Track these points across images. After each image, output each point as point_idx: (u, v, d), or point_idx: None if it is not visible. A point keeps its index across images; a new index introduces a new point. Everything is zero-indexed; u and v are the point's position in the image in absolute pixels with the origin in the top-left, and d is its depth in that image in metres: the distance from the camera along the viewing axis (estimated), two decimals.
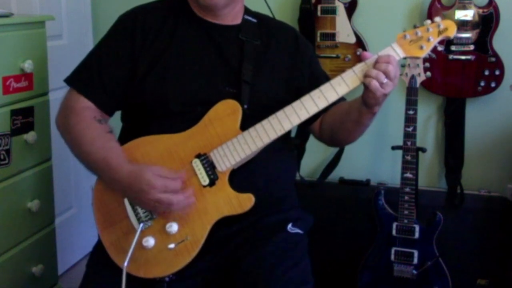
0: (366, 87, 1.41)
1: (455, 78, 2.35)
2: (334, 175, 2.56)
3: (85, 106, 1.55)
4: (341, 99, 1.54)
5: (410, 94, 2.16)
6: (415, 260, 2.20)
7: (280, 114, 1.45)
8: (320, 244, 1.74)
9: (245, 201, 1.42)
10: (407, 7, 2.46)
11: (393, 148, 2.29)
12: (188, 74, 1.54)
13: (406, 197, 2.18)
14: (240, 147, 1.44)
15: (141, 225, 1.43)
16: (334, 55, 2.44)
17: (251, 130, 1.45)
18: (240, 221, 1.49)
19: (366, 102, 1.44)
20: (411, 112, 2.17)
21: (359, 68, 1.44)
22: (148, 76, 1.53)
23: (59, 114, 1.59)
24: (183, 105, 1.51)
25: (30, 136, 1.96)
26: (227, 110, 1.48)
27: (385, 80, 1.39)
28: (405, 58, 2.11)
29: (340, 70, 1.47)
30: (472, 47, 2.30)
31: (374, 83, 1.39)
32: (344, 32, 2.43)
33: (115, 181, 1.45)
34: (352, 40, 2.43)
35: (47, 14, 2.24)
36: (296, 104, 1.44)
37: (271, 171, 1.55)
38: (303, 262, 1.51)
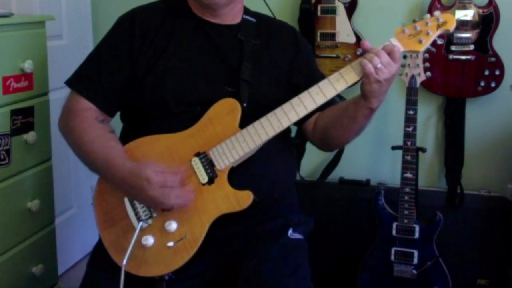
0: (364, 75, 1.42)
1: (455, 78, 2.35)
2: (334, 175, 2.56)
3: (86, 107, 1.55)
4: (341, 99, 1.55)
5: (410, 94, 2.16)
6: (415, 260, 2.20)
7: (278, 111, 1.45)
8: (320, 244, 1.74)
9: (244, 199, 1.42)
10: (407, 7, 2.46)
11: (393, 148, 2.29)
12: (187, 73, 1.54)
13: (406, 197, 2.18)
14: (239, 145, 1.44)
15: (140, 223, 1.43)
16: (334, 55, 2.44)
17: (250, 128, 1.45)
18: (240, 222, 1.49)
19: (363, 90, 1.44)
20: (411, 112, 2.17)
21: (357, 64, 1.44)
22: (148, 76, 1.53)
23: (61, 116, 1.59)
24: (182, 105, 1.52)
25: (30, 136, 1.96)
26: (226, 109, 1.48)
27: (379, 65, 1.39)
28: (404, 57, 2.15)
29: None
30: (472, 47, 2.30)
31: (369, 66, 1.39)
32: (344, 32, 2.43)
33: (116, 180, 1.45)
34: (352, 40, 2.43)
35: (47, 14, 2.24)
36: (294, 101, 1.45)
37: (271, 171, 1.55)
38: (303, 269, 1.51)
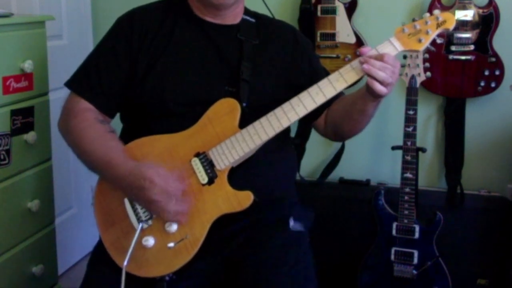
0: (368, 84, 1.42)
1: (455, 78, 2.35)
2: (334, 175, 2.56)
3: (86, 108, 1.55)
4: (340, 94, 1.55)
5: (410, 94, 2.16)
6: (415, 260, 2.20)
7: (278, 111, 1.45)
8: (320, 244, 1.73)
9: (244, 199, 1.42)
10: (407, 7, 2.46)
11: (393, 148, 2.29)
12: (187, 74, 1.54)
13: (406, 197, 2.18)
14: (239, 145, 1.44)
15: (141, 224, 1.43)
16: (334, 55, 2.44)
17: (250, 127, 1.45)
18: (241, 220, 1.49)
19: (371, 94, 1.45)
20: (411, 112, 2.17)
21: (357, 63, 1.44)
22: (147, 77, 1.53)
23: (60, 117, 1.59)
24: (182, 105, 1.52)
25: (30, 136, 1.96)
26: (226, 109, 1.48)
27: (389, 80, 1.39)
28: (404, 57, 2.15)
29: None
30: (472, 47, 2.30)
31: (378, 86, 1.39)
32: (344, 32, 2.43)
33: (117, 179, 1.45)
34: (352, 40, 2.43)
35: (47, 14, 2.24)
36: (294, 100, 1.45)
37: (271, 171, 1.56)
38: (306, 260, 1.51)
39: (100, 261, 1.50)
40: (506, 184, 2.45)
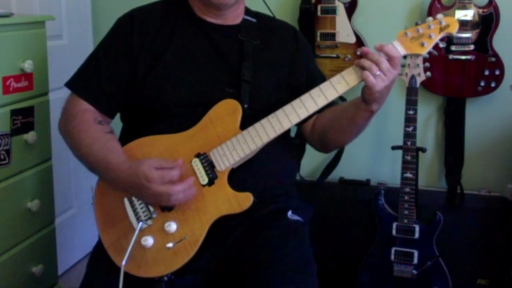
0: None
1: (455, 78, 2.35)
2: (334, 175, 2.56)
3: (85, 109, 1.55)
4: (342, 100, 1.54)
5: (410, 94, 2.16)
6: (415, 260, 2.20)
7: (279, 113, 1.45)
8: (320, 244, 1.73)
9: (244, 200, 1.42)
10: (407, 7, 2.46)
11: (393, 148, 2.29)
12: (188, 75, 1.54)
13: (406, 197, 2.18)
14: (240, 146, 1.44)
15: (140, 224, 1.43)
16: (334, 55, 2.44)
17: (251, 129, 1.45)
18: (239, 217, 1.49)
19: (364, 97, 1.44)
20: (411, 112, 2.17)
21: (359, 66, 1.43)
22: (148, 77, 1.53)
23: (61, 119, 1.59)
24: (183, 106, 1.52)
25: (30, 136, 1.96)
26: (227, 110, 1.48)
27: (377, 72, 1.38)
28: (404, 57, 2.14)
29: (340, 70, 1.46)
30: (472, 47, 2.30)
31: (371, 78, 1.38)
32: (344, 32, 2.43)
33: (116, 180, 1.45)
34: (352, 40, 2.43)
35: (47, 14, 2.24)
36: (296, 102, 1.44)
37: (271, 172, 1.55)
38: (304, 247, 1.52)
39: (100, 261, 1.50)
40: (506, 184, 2.45)
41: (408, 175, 2.18)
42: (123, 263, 1.39)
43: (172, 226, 1.42)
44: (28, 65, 1.92)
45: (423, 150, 2.24)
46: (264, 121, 1.45)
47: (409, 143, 2.18)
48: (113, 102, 1.57)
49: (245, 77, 1.54)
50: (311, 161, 2.62)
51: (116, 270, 1.41)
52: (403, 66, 2.16)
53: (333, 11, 2.42)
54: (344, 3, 2.42)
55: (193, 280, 1.46)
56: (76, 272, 2.58)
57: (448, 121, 2.46)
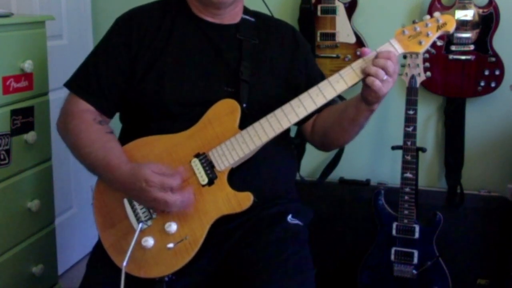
0: (366, 85, 1.41)
1: (455, 78, 2.35)
2: (334, 175, 2.56)
3: (84, 109, 1.55)
4: (341, 99, 1.54)
5: (410, 94, 2.16)
6: (415, 260, 2.20)
7: (278, 112, 1.44)
8: (320, 244, 1.74)
9: (244, 200, 1.42)
10: (407, 7, 2.46)
11: (393, 148, 2.29)
12: (186, 74, 1.54)
13: (406, 197, 2.18)
14: (239, 146, 1.44)
15: (140, 225, 1.43)
16: (334, 55, 2.44)
17: (250, 129, 1.45)
18: (240, 219, 1.49)
19: (366, 99, 1.44)
20: (411, 112, 2.17)
21: (357, 65, 1.43)
22: (146, 77, 1.53)
23: (59, 118, 1.59)
24: (181, 106, 1.51)
25: (30, 136, 1.96)
26: (226, 110, 1.48)
27: (385, 77, 1.38)
28: (404, 57, 2.15)
29: (339, 70, 1.47)
30: (472, 47, 2.30)
31: (377, 83, 1.38)
32: (344, 32, 2.43)
33: (116, 181, 1.45)
34: (352, 40, 2.43)
35: (47, 14, 2.24)
36: (294, 102, 1.44)
37: (271, 172, 1.55)
38: (303, 251, 1.52)
39: (100, 261, 1.50)
40: (506, 184, 2.45)
41: (408, 175, 2.18)
42: (124, 264, 1.39)
43: (173, 227, 1.42)
44: (28, 65, 1.92)
45: (423, 150, 2.24)
46: (263, 120, 1.44)
47: (409, 143, 2.18)
48: (112, 102, 1.57)
49: (243, 77, 1.54)
50: (311, 161, 2.62)
51: (116, 270, 1.42)
52: (403, 66, 2.16)
53: (333, 11, 2.42)
54: (344, 3, 2.42)
55: (194, 281, 1.46)
56: (76, 272, 2.58)
57: (448, 121, 2.46)
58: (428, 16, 1.47)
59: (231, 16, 1.62)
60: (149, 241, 1.42)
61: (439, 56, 2.30)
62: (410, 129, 2.18)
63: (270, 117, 1.44)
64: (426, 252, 2.19)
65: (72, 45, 2.59)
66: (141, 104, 1.54)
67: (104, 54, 1.58)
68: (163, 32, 1.57)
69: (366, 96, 1.43)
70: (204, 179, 1.44)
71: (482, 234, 2.33)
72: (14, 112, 1.90)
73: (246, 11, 1.67)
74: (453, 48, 2.31)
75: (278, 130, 1.44)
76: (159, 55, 1.54)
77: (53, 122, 2.02)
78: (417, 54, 1.54)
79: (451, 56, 2.32)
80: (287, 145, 1.66)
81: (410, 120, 2.17)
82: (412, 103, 2.16)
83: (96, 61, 1.58)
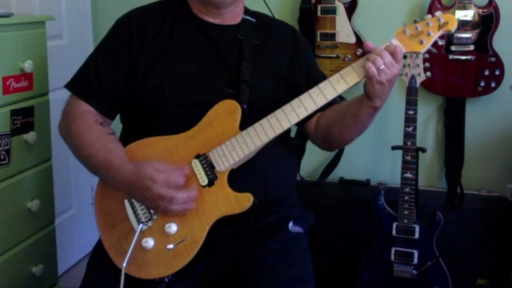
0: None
1: (455, 78, 2.35)
2: (334, 175, 2.56)
3: (86, 110, 1.55)
4: (341, 99, 1.54)
5: (410, 94, 2.16)
6: (415, 260, 2.20)
7: (278, 113, 1.44)
8: (320, 244, 1.74)
9: (244, 201, 1.42)
10: (407, 7, 2.46)
11: (393, 148, 2.29)
12: (187, 75, 1.54)
13: (406, 197, 2.18)
14: (239, 146, 1.44)
15: (140, 225, 1.43)
16: (334, 55, 2.44)
17: (250, 129, 1.45)
18: (240, 222, 1.49)
19: (366, 91, 1.44)
20: (411, 112, 2.17)
21: (358, 65, 1.43)
22: (147, 78, 1.53)
23: (61, 120, 1.59)
24: (182, 107, 1.51)
25: (30, 136, 1.96)
26: (226, 110, 1.48)
27: (381, 66, 1.38)
28: (404, 57, 2.14)
29: (340, 71, 1.47)
30: (472, 47, 2.30)
31: (373, 69, 1.38)
32: (344, 32, 2.43)
33: (118, 181, 1.45)
34: (352, 40, 2.43)
35: (47, 14, 2.24)
36: (295, 102, 1.44)
37: (271, 171, 1.55)
38: (304, 261, 1.51)
39: (100, 262, 1.50)
40: (506, 184, 2.45)
41: (408, 175, 2.18)
42: (124, 265, 1.39)
43: (173, 228, 1.42)
44: (28, 65, 1.92)
45: (423, 150, 2.24)
46: (263, 121, 1.44)
47: (409, 143, 2.18)
48: (113, 103, 1.57)
49: (244, 77, 1.53)
50: (311, 161, 2.62)
51: (116, 270, 1.42)
52: (403, 66, 2.16)
53: (333, 11, 2.42)
54: (344, 3, 2.42)
55: (193, 284, 1.46)
56: (76, 272, 2.58)
57: (448, 121, 2.46)
58: (429, 15, 1.46)
59: (232, 16, 1.62)
60: (149, 242, 1.42)
61: (439, 56, 2.30)
62: (410, 129, 2.18)
63: (271, 117, 1.44)
64: (426, 252, 2.19)
65: (72, 45, 2.59)
66: (142, 105, 1.54)
67: (105, 55, 1.57)
68: (163, 32, 1.57)
69: (365, 88, 1.44)
70: (204, 180, 1.44)
71: (482, 234, 2.33)
72: (14, 112, 1.90)
73: (246, 11, 1.67)
74: (453, 48, 2.31)
75: (279, 130, 1.44)
76: (159, 56, 1.54)
77: (53, 122, 2.03)
78: (418, 53, 1.54)
79: (451, 56, 2.32)
80: (287, 145, 1.66)
81: (410, 120, 2.17)
82: (412, 103, 2.16)
83: (96, 62, 1.58)
